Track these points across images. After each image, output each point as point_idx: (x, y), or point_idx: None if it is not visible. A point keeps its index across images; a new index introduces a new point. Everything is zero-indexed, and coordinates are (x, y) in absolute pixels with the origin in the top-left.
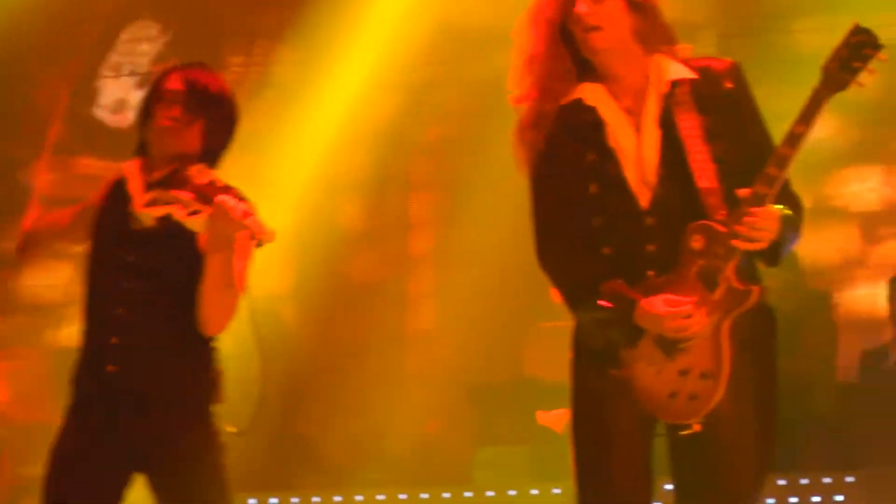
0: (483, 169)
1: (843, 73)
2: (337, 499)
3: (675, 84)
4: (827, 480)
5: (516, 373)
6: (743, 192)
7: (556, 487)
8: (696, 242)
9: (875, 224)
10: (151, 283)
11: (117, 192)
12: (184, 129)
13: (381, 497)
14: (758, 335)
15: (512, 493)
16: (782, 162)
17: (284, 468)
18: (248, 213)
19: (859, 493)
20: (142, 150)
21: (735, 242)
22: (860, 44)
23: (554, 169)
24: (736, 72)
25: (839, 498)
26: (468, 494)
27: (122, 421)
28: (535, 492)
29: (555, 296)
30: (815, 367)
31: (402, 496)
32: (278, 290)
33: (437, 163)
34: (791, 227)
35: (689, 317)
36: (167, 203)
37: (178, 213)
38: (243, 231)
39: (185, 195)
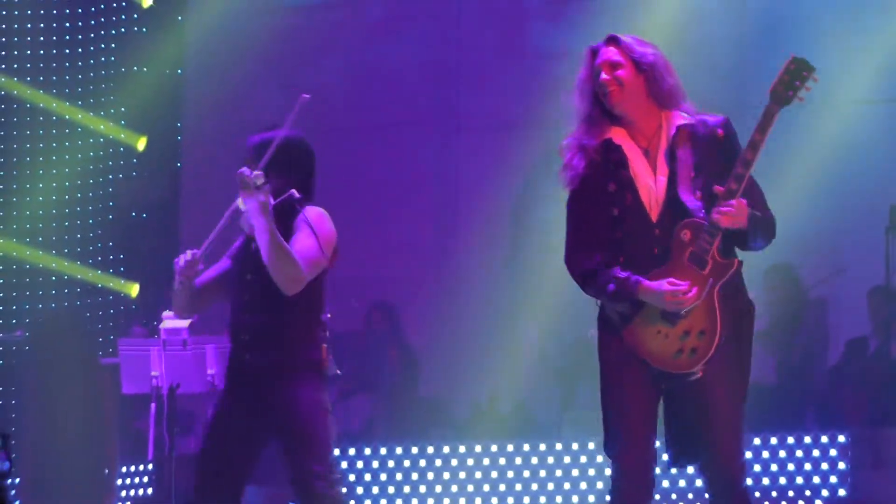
0: None
1: (787, 92)
2: (461, 449)
3: (679, 128)
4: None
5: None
6: (718, 189)
7: None
8: (685, 235)
9: None
10: (265, 291)
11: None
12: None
13: (493, 447)
14: (739, 313)
15: (591, 445)
16: (747, 164)
17: (419, 424)
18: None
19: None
20: None
21: (717, 222)
22: (798, 69)
23: (586, 193)
24: (727, 124)
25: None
26: (558, 446)
27: (258, 393)
28: None
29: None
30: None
31: (510, 447)
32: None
33: None
34: (760, 225)
35: (686, 293)
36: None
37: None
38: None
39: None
